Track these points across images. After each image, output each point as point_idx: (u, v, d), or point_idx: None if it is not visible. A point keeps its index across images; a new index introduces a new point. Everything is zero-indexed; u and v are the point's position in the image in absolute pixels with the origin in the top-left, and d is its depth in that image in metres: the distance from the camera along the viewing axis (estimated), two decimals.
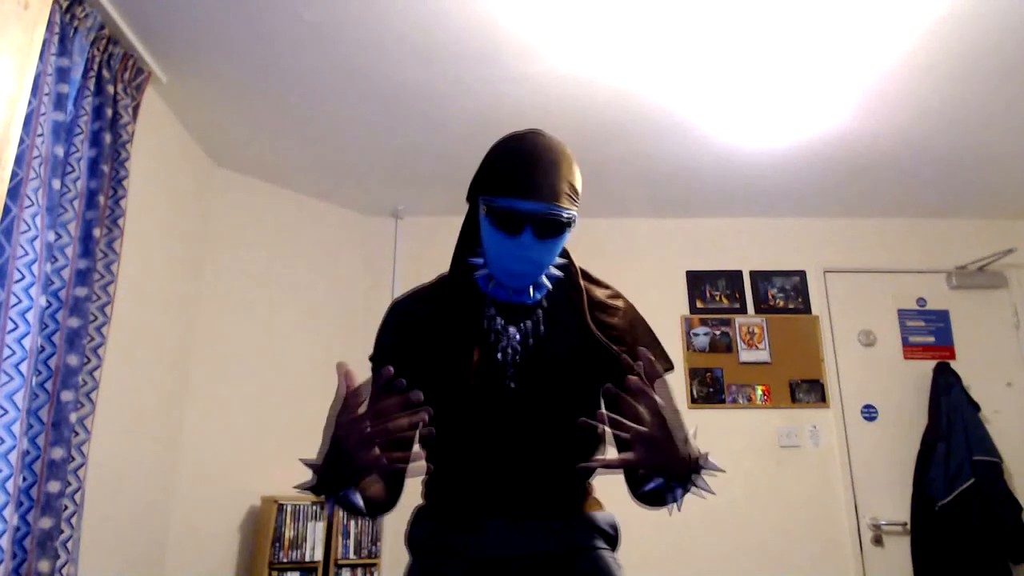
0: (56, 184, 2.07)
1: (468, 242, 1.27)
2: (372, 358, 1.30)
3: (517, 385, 1.21)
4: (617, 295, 1.33)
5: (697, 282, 3.88)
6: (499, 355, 1.22)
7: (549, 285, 1.26)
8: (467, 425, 1.22)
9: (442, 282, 1.32)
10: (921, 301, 3.81)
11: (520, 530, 1.20)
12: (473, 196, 1.24)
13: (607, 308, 1.29)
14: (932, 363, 3.62)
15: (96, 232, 2.28)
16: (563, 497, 1.25)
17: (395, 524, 3.51)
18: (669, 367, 1.27)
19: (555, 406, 1.22)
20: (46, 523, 2.02)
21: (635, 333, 1.28)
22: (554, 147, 1.18)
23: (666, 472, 1.02)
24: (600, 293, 1.31)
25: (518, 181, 1.14)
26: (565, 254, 1.29)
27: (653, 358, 0.98)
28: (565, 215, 1.16)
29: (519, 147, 1.18)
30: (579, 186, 1.21)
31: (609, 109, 2.90)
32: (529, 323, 1.24)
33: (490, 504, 1.21)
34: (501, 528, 1.20)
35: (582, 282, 1.29)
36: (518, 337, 1.23)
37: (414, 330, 1.26)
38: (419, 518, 1.29)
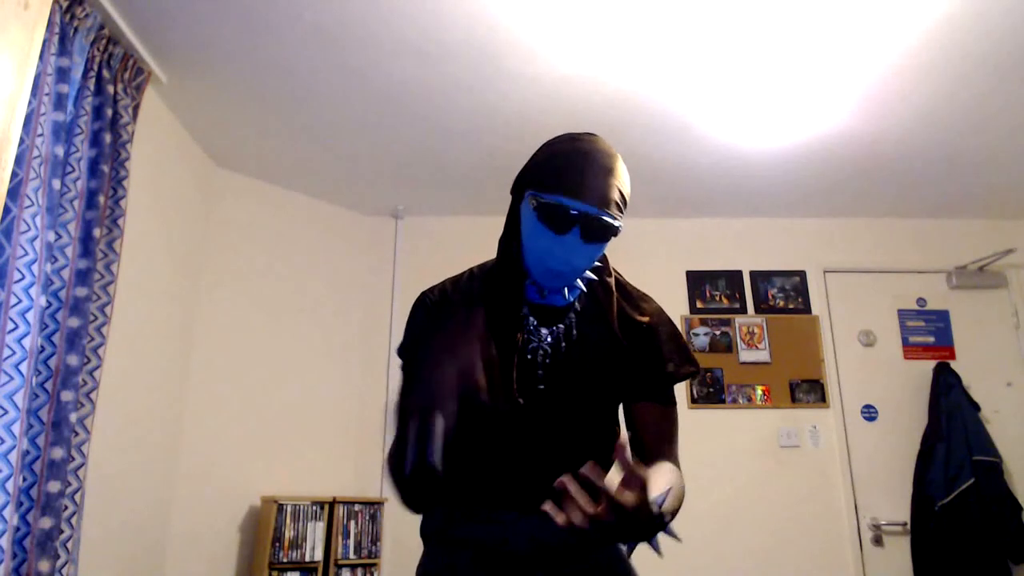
0: (56, 184, 2.07)
1: (511, 238, 1.24)
2: (403, 351, 1.28)
3: (546, 387, 1.22)
4: (647, 297, 1.34)
5: (697, 282, 3.88)
6: (528, 355, 1.22)
7: (583, 288, 1.26)
8: (492, 421, 1.22)
9: (473, 278, 1.30)
10: (921, 301, 3.81)
11: (533, 523, 1.21)
12: (519, 190, 1.22)
13: (637, 308, 1.29)
14: (932, 363, 3.62)
15: (96, 232, 2.28)
16: None
17: (395, 525, 3.51)
18: (694, 371, 1.28)
19: (580, 409, 1.24)
20: (46, 523, 2.02)
21: (661, 334, 1.28)
22: (610, 153, 1.17)
23: (619, 539, 1.00)
24: (631, 293, 1.32)
25: (572, 180, 1.12)
26: (602, 256, 1.28)
27: (629, 453, 0.90)
28: (614, 222, 1.15)
29: (576, 147, 1.16)
30: (628, 196, 1.19)
31: (609, 109, 2.90)
32: (561, 327, 1.25)
33: (506, 498, 1.22)
34: (515, 521, 1.21)
35: (614, 285, 1.29)
36: (549, 339, 1.24)
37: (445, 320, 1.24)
38: (434, 510, 1.30)
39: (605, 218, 1.13)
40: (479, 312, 1.19)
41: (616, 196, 1.15)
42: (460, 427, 1.25)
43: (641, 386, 1.27)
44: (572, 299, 1.26)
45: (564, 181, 1.13)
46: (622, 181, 1.17)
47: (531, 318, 1.25)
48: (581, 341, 1.25)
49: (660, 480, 1.08)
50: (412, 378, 1.26)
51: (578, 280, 1.23)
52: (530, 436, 1.22)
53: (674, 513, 1.09)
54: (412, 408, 1.00)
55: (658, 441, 1.26)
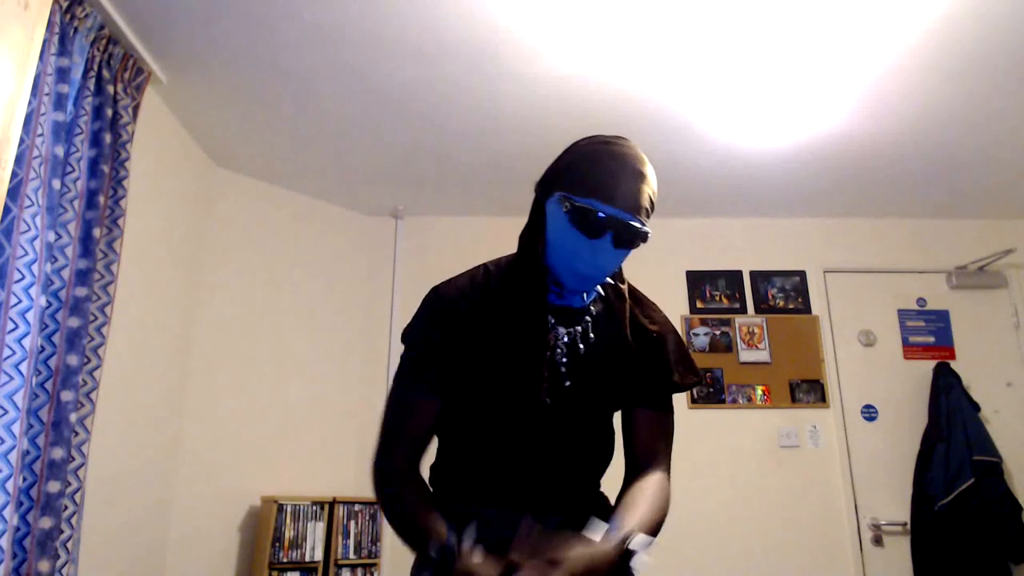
0: (56, 184, 2.07)
1: (535, 236, 1.23)
2: (409, 337, 1.26)
3: (554, 387, 1.21)
4: (655, 306, 1.35)
5: (697, 282, 3.88)
6: (530, 361, 1.21)
7: (601, 291, 1.27)
8: (496, 419, 1.23)
9: (490, 275, 1.29)
10: (921, 301, 3.81)
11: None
12: (547, 188, 1.22)
13: (648, 316, 1.31)
14: (932, 363, 3.62)
15: (96, 232, 2.28)
16: (578, 494, 1.28)
17: None
18: (697, 381, 1.30)
19: (590, 411, 1.25)
20: (46, 523, 2.02)
21: (669, 343, 1.30)
22: (642, 158, 1.17)
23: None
24: (642, 301, 1.34)
25: (607, 185, 1.12)
26: None
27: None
28: (645, 228, 1.15)
29: (610, 151, 1.16)
30: (656, 201, 1.20)
31: (609, 109, 2.90)
32: (579, 328, 1.25)
33: (508, 497, 1.23)
34: (516, 520, 1.21)
35: (627, 292, 1.30)
36: (566, 340, 1.24)
37: (458, 320, 1.23)
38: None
39: (637, 225, 1.14)
40: (501, 316, 1.21)
41: (647, 203, 1.16)
42: (478, 425, 1.25)
43: (644, 392, 1.29)
44: (589, 301, 1.27)
45: (599, 185, 1.13)
46: (652, 187, 1.17)
47: (549, 317, 1.24)
48: (595, 344, 1.25)
49: (629, 518, 1.12)
50: (410, 366, 1.26)
51: (599, 288, 1.24)
52: (541, 436, 1.23)
53: (655, 529, 1.13)
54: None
55: (651, 450, 1.28)
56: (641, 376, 1.27)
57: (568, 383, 1.22)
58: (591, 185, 1.13)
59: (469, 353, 1.22)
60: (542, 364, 1.19)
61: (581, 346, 1.24)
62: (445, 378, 1.23)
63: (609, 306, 1.29)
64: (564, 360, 1.23)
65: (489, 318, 1.23)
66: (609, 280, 1.28)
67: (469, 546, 1.05)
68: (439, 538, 1.07)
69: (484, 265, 1.32)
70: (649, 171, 1.17)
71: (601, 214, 1.12)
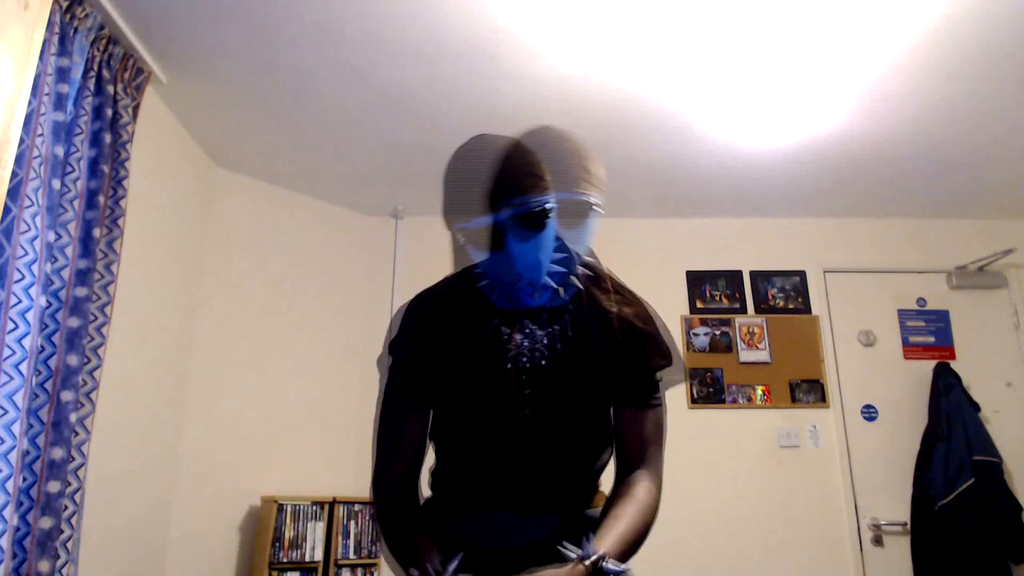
0: (56, 184, 2.07)
1: (466, 264, 1.26)
2: (394, 347, 1.30)
3: (535, 390, 1.21)
4: (628, 294, 1.34)
5: (697, 282, 3.88)
6: (509, 364, 1.21)
7: (553, 284, 1.24)
8: (483, 424, 1.23)
9: (463, 278, 1.32)
10: (921, 301, 3.81)
11: (526, 523, 1.22)
12: (450, 227, 1.24)
13: (615, 304, 1.29)
14: (932, 363, 3.62)
15: (96, 232, 2.28)
16: (573, 494, 1.27)
17: None
18: (665, 364, 1.27)
19: (566, 409, 1.23)
20: (46, 523, 2.02)
21: (635, 329, 1.27)
22: (495, 148, 1.16)
23: None
24: (608, 289, 1.31)
25: (470, 201, 1.13)
26: (589, 253, 1.27)
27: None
28: (539, 199, 1.12)
29: (458, 169, 1.19)
30: (543, 170, 1.16)
31: (609, 109, 2.90)
32: (533, 327, 1.24)
33: (501, 499, 1.23)
34: (507, 521, 1.21)
35: (588, 283, 1.29)
36: (526, 344, 1.22)
37: (438, 327, 1.26)
38: (428, 511, 1.30)
39: (527, 208, 1.12)
40: (457, 323, 1.23)
41: (526, 179, 1.13)
42: (464, 431, 1.25)
43: (622, 388, 1.26)
44: (546, 299, 1.26)
45: (465, 206, 1.14)
46: (527, 161, 1.15)
47: (503, 328, 1.24)
48: (564, 340, 1.24)
49: (608, 534, 1.12)
50: (395, 379, 1.27)
51: (549, 280, 1.22)
52: (521, 438, 1.22)
53: (638, 540, 1.13)
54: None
55: (638, 450, 1.26)
56: (617, 369, 1.24)
57: (539, 384, 1.21)
58: (459, 210, 1.15)
59: (445, 359, 1.24)
60: (494, 377, 1.19)
61: (547, 343, 1.23)
62: (429, 386, 1.25)
63: (590, 299, 1.27)
64: (527, 365, 1.22)
65: (460, 324, 1.25)
66: (588, 272, 1.26)
67: (451, 571, 1.07)
68: (421, 563, 1.10)
69: (464, 269, 1.33)
70: (513, 155, 1.15)
71: (491, 222, 1.11)
